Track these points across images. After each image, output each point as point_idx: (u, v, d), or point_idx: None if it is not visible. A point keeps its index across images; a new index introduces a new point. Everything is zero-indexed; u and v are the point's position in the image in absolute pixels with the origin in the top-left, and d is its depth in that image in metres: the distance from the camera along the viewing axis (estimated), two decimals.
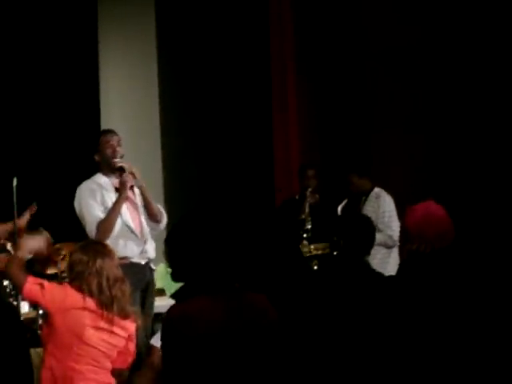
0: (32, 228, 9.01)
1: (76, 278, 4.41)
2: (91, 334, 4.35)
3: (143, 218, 6.39)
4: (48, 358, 4.37)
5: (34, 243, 4.74)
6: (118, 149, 6.61)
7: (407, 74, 8.84)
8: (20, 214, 7.46)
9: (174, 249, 3.08)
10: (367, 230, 4.03)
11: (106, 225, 6.11)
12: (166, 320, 3.00)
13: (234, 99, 10.25)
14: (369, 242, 3.96)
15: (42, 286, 4.37)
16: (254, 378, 2.97)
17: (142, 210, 6.41)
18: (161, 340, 2.97)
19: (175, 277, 3.12)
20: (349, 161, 8.08)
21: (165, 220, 6.43)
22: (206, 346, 2.90)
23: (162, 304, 6.32)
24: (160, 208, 6.52)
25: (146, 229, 6.35)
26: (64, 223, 9.77)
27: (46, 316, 4.45)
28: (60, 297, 4.35)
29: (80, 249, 4.51)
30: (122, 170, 6.43)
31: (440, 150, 8.72)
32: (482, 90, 8.40)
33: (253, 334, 3.00)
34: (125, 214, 6.25)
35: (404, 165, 8.84)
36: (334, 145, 9.51)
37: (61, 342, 4.34)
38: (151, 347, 4.72)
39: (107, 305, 4.40)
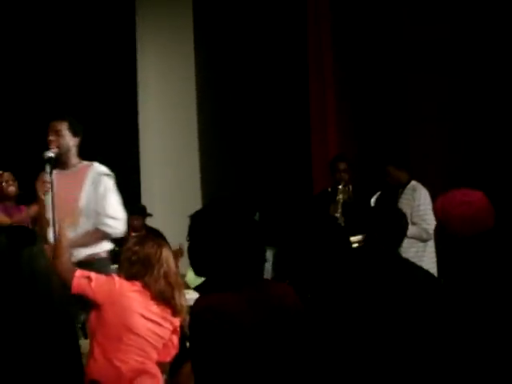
0: None
1: (138, 269, 4.45)
2: (139, 323, 4.40)
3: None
4: (96, 348, 4.42)
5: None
6: (50, 138, 5.95)
7: (443, 66, 8.80)
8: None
9: (194, 242, 3.05)
10: (397, 222, 3.97)
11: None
12: (192, 313, 2.99)
13: (271, 92, 10.26)
14: (399, 235, 3.89)
15: (89, 278, 4.42)
16: (282, 367, 2.96)
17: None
18: (188, 332, 2.96)
19: (197, 271, 3.10)
20: (387, 152, 8.03)
21: (111, 229, 5.93)
22: (233, 337, 2.89)
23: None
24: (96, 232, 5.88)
25: None
26: None
27: (96, 307, 4.47)
28: (108, 286, 4.41)
29: (132, 239, 4.58)
30: (49, 162, 5.76)
31: (478, 142, 8.65)
32: None
33: (278, 324, 2.99)
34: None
35: (442, 157, 8.79)
36: (371, 137, 9.48)
37: (110, 333, 4.39)
38: None
39: (167, 296, 4.47)
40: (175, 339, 4.63)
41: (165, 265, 4.51)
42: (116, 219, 5.96)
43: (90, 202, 5.90)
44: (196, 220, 3.10)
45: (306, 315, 3.09)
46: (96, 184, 5.98)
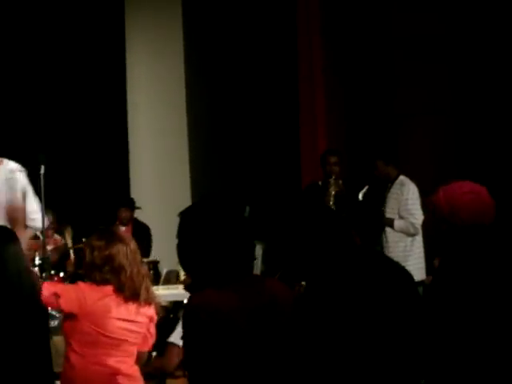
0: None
1: (90, 268, 4.36)
2: (115, 327, 4.33)
3: None
4: (72, 355, 4.34)
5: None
6: None
7: (433, 60, 8.82)
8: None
9: (183, 240, 3.04)
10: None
11: None
12: (186, 311, 2.98)
13: (260, 86, 10.27)
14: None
15: (56, 295, 4.26)
16: (275, 363, 2.97)
17: None
18: (182, 331, 2.95)
19: (187, 269, 3.10)
20: (375, 147, 8.05)
21: (36, 224, 5.92)
22: (227, 335, 2.90)
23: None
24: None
25: None
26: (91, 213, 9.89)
27: (68, 318, 4.37)
28: (77, 299, 4.28)
29: (93, 237, 4.44)
30: None
31: (467, 136, 8.68)
32: (506, 75, 8.35)
33: (271, 320, 2.99)
34: None
35: (430, 151, 8.81)
36: (360, 131, 9.50)
37: (86, 340, 4.31)
38: (169, 346, 4.66)
39: (133, 293, 4.37)
40: (152, 328, 4.54)
41: (133, 263, 4.39)
42: (37, 213, 5.97)
43: (1, 199, 5.80)
44: (185, 217, 3.07)
45: (296, 308, 3.09)
46: (11, 182, 5.88)
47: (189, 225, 3.05)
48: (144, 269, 4.58)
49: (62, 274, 7.86)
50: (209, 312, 2.89)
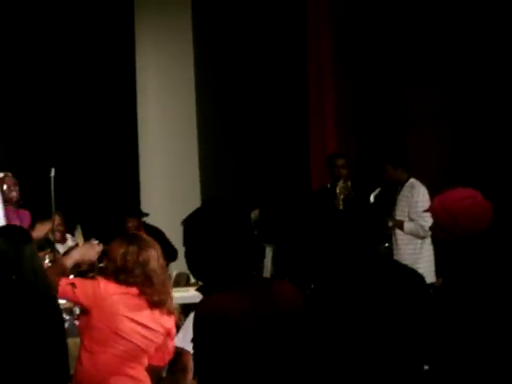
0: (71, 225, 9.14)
1: (120, 271, 4.34)
2: (128, 327, 4.30)
3: None
4: (84, 352, 4.35)
5: (85, 254, 4.66)
6: None
7: (442, 64, 8.82)
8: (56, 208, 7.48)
9: (190, 247, 3.04)
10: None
11: None
12: (196, 317, 2.97)
13: (270, 89, 10.28)
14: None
15: (73, 285, 4.28)
16: (285, 367, 2.98)
17: None
18: (193, 335, 2.94)
19: (196, 275, 3.10)
20: (384, 151, 8.05)
21: None
22: (237, 340, 2.90)
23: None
24: None
25: None
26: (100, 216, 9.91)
27: (83, 313, 4.41)
28: (93, 290, 4.29)
29: (122, 241, 4.42)
30: None
31: (475, 139, 8.68)
32: None
33: (281, 323, 3.00)
34: None
35: (439, 154, 8.81)
36: (370, 134, 9.50)
37: (97, 337, 4.30)
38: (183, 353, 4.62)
39: (160, 299, 4.35)
40: (170, 344, 4.50)
41: (162, 269, 4.41)
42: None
43: None
44: (189, 224, 3.07)
45: (305, 310, 3.09)
46: None
47: (193, 231, 3.04)
48: (167, 279, 4.58)
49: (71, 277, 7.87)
50: (218, 317, 2.89)
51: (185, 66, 10.72)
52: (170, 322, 4.47)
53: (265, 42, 10.23)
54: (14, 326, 3.54)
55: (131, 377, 4.37)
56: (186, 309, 6.82)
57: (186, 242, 3.07)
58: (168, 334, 4.48)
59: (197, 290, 3.17)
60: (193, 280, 7.62)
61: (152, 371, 4.51)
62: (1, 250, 3.67)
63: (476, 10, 8.61)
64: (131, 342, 4.34)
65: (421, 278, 3.49)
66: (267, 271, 9.06)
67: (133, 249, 4.36)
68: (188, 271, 7.03)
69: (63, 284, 4.26)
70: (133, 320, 4.33)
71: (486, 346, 3.35)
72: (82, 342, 4.39)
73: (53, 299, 3.85)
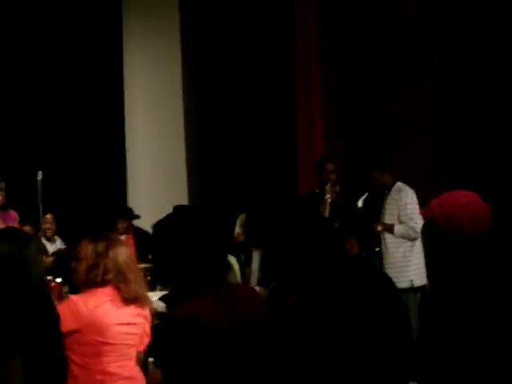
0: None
1: (92, 268, 4.30)
2: (116, 332, 4.29)
3: None
4: (75, 368, 4.28)
5: None
6: None
7: (431, 66, 8.82)
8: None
9: (158, 251, 3.03)
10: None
11: None
12: (168, 325, 2.94)
13: (258, 92, 10.28)
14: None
15: None
16: (260, 371, 2.98)
17: None
18: (163, 344, 2.91)
19: (163, 281, 3.08)
20: (370, 155, 8.05)
21: None
22: (212, 345, 2.88)
23: None
24: None
25: None
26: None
27: (68, 335, 4.27)
28: (72, 313, 4.22)
29: (90, 240, 4.40)
30: None
31: (464, 143, 8.69)
32: (505, 81, 8.37)
33: (252, 324, 3.00)
34: None
35: (428, 158, 8.82)
36: (357, 138, 9.50)
37: (88, 352, 4.27)
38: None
39: (135, 295, 4.34)
40: (147, 327, 4.50)
41: (134, 265, 4.41)
42: None
43: None
44: (159, 229, 3.06)
45: (288, 320, 3.10)
46: None
47: (162, 235, 3.03)
48: (137, 269, 4.56)
49: (59, 280, 7.83)
50: (195, 323, 2.87)
51: (172, 67, 10.72)
52: (146, 310, 4.49)
53: (252, 44, 10.23)
54: (22, 329, 3.54)
55: (126, 378, 4.36)
56: None
57: (154, 246, 3.06)
58: (146, 320, 4.50)
59: (160, 299, 3.14)
60: None
61: (136, 358, 4.52)
62: (8, 254, 3.64)
63: (466, 14, 8.62)
64: (121, 344, 4.33)
65: (392, 283, 3.51)
66: (254, 276, 9.05)
67: (101, 245, 4.35)
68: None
69: None
70: (119, 323, 4.32)
71: (483, 348, 3.35)
72: (70, 358, 4.29)
73: (52, 302, 3.86)
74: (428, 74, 8.84)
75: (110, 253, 4.34)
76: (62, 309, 4.27)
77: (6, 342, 3.52)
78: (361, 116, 9.52)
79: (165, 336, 2.95)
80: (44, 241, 8.66)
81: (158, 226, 3.07)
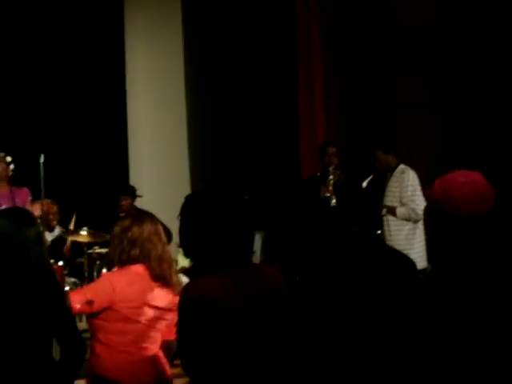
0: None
1: (139, 251, 4.34)
2: (146, 314, 4.32)
3: None
4: (98, 346, 4.32)
5: None
6: None
7: (432, 49, 8.82)
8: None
9: (186, 222, 3.05)
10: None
11: None
12: (182, 300, 2.97)
13: (260, 78, 10.28)
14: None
15: (89, 302, 4.24)
16: (272, 351, 2.98)
17: None
18: (178, 318, 2.94)
19: (187, 251, 3.11)
20: (374, 137, 8.06)
21: None
22: (223, 324, 2.90)
23: None
24: None
25: None
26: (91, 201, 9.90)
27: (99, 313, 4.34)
28: (107, 293, 4.26)
29: (117, 223, 4.45)
30: None
31: (466, 125, 8.69)
32: (506, 64, 8.36)
33: (267, 308, 3.01)
34: None
35: (429, 140, 8.82)
36: (359, 121, 9.50)
37: (114, 329, 4.29)
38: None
39: (166, 276, 4.36)
40: (176, 316, 4.54)
41: (161, 244, 4.42)
42: None
43: None
44: (190, 201, 3.09)
45: (293, 297, 3.10)
46: None
47: (192, 208, 3.06)
48: (170, 254, 4.56)
49: (61, 263, 7.86)
50: (202, 300, 2.89)
51: (175, 59, 10.73)
52: (176, 298, 4.49)
53: (254, 31, 10.22)
54: (21, 309, 3.54)
55: (146, 360, 4.35)
56: None
57: (182, 217, 3.08)
58: (175, 308, 4.50)
59: (184, 272, 3.18)
60: (180, 266, 7.59)
61: (163, 346, 4.50)
62: (6, 233, 3.63)
63: None
64: (147, 325, 4.33)
65: (412, 263, 3.48)
66: (256, 258, 9.08)
67: (127, 222, 4.41)
68: (175, 257, 7.01)
69: (78, 305, 4.20)
70: (149, 305, 4.32)
71: (479, 340, 3.34)
72: (94, 338, 4.35)
73: (56, 283, 3.84)
74: (429, 57, 8.83)
75: (135, 229, 4.37)
76: (97, 290, 4.33)
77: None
78: (362, 99, 9.51)
79: (178, 312, 2.98)
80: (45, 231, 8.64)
81: (189, 198, 3.11)
